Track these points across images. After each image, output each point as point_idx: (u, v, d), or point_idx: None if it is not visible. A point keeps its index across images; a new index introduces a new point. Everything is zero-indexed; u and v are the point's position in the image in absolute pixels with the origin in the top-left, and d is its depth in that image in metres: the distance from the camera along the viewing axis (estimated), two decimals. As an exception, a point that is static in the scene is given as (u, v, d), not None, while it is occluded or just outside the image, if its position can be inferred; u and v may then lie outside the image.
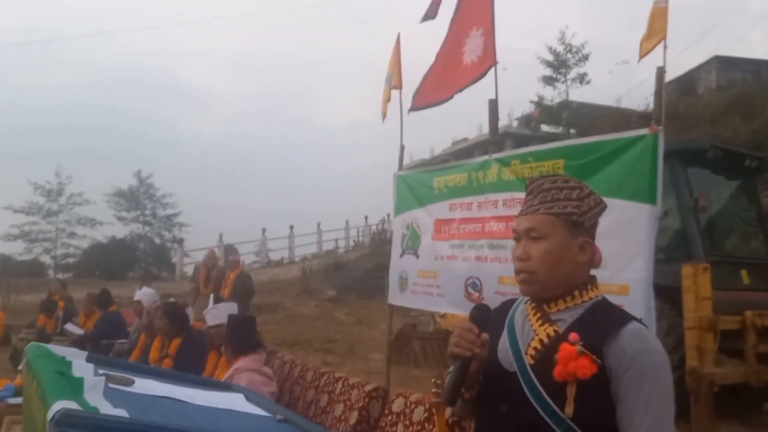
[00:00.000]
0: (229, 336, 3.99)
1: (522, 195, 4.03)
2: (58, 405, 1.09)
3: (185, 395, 1.70)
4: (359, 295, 19.05)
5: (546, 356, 1.50)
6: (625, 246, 3.35)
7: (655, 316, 3.28)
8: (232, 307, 4.86)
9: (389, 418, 3.13)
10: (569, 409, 1.43)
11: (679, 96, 20.21)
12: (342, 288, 20.61)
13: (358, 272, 22.17)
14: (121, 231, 31.87)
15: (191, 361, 4.92)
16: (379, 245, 25.44)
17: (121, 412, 1.25)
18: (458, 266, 4.43)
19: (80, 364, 1.62)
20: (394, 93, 5.55)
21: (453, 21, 4.85)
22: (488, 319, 1.63)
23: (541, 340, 1.54)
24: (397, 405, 3.10)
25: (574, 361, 1.43)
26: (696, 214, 6.81)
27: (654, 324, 3.25)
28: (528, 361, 1.53)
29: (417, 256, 5.07)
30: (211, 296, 6.04)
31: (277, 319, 15.27)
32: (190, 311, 5.63)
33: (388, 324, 5.72)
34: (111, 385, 1.52)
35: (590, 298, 1.60)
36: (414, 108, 5.22)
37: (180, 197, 32.89)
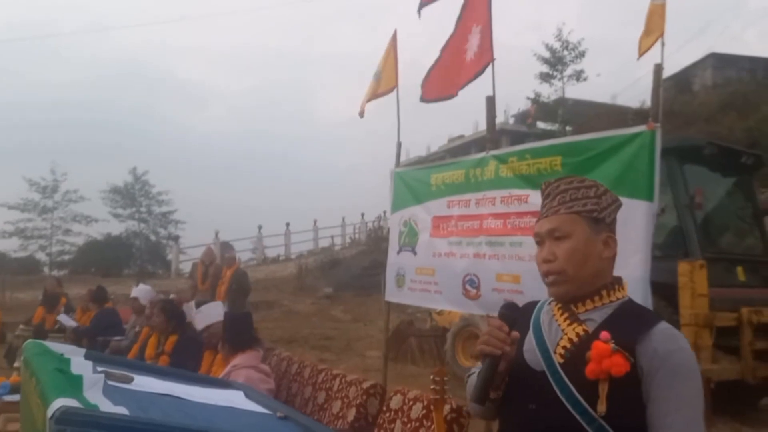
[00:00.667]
0: (225, 333, 3.98)
1: (520, 192, 4.06)
2: (59, 402, 1.08)
3: (185, 393, 1.69)
4: (356, 292, 19.06)
5: (576, 355, 1.51)
6: (623, 243, 3.31)
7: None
8: (217, 306, 4.86)
9: (387, 415, 3.13)
10: (602, 407, 1.43)
11: (675, 93, 20.26)
12: (338, 285, 20.62)
13: (354, 269, 22.18)
14: (116, 228, 31.77)
15: (187, 358, 4.90)
16: (375, 242, 25.45)
17: (122, 410, 1.24)
18: (456, 263, 4.43)
19: (79, 362, 1.61)
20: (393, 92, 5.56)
21: (460, 17, 4.85)
22: (517, 317, 1.64)
23: (570, 339, 1.55)
24: (395, 402, 3.09)
25: (608, 359, 1.43)
26: (692, 211, 6.83)
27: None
28: (557, 360, 1.54)
29: (415, 253, 5.07)
30: (192, 303, 5.98)
31: (274, 316, 15.27)
32: (191, 306, 5.61)
33: (385, 321, 5.72)
34: (110, 383, 1.51)
35: (617, 299, 1.61)
36: (424, 99, 5.20)
37: (176, 194, 32.81)
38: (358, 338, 12.42)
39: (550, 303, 1.69)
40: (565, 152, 3.80)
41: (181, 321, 5.43)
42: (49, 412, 1.06)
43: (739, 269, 7.19)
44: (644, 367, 1.47)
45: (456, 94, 4.83)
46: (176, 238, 30.72)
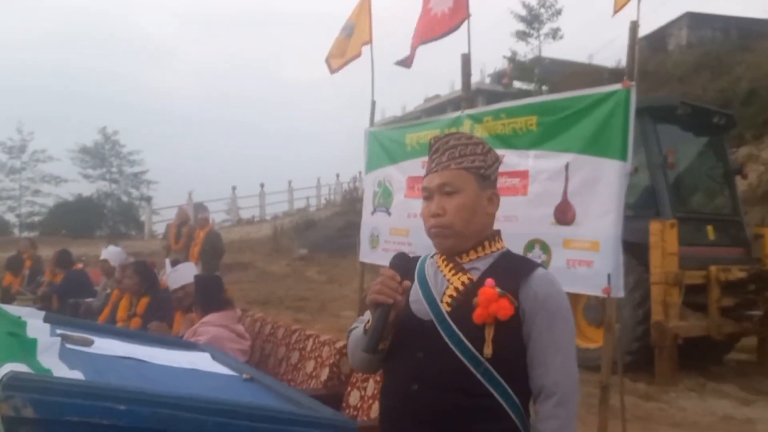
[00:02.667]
0: (196, 295, 3.93)
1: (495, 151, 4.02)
2: (6, 368, 1.03)
3: (147, 355, 1.65)
4: (331, 254, 19.05)
5: (462, 302, 1.57)
6: (596, 202, 3.36)
7: (622, 271, 3.32)
8: (190, 267, 4.80)
9: (360, 374, 3.13)
10: (488, 350, 1.50)
11: (649, 53, 20.25)
12: (313, 246, 20.59)
13: (329, 230, 22.12)
14: (87, 189, 31.28)
15: (159, 319, 4.86)
16: (350, 203, 25.33)
17: (77, 374, 1.20)
18: (430, 223, 4.40)
19: (36, 325, 1.55)
20: (365, 48, 5.43)
21: None
22: (410, 267, 1.68)
23: (456, 288, 1.61)
24: (369, 361, 3.10)
25: (495, 303, 1.50)
26: (665, 171, 6.89)
27: (622, 279, 3.29)
28: (444, 308, 1.59)
29: (389, 214, 5.04)
30: (167, 260, 5.94)
31: (248, 278, 15.24)
32: (167, 264, 5.54)
33: (359, 282, 5.72)
34: (68, 346, 1.47)
35: (497, 249, 1.68)
36: (406, 64, 5.07)
37: (147, 155, 32.32)
38: (333, 299, 12.47)
39: (433, 256, 1.74)
40: (541, 111, 3.76)
41: (153, 283, 5.37)
42: (-3, 378, 1.01)
43: (709, 228, 7.31)
44: (526, 309, 1.55)
45: (430, 41, 4.71)
46: (149, 199, 30.37)
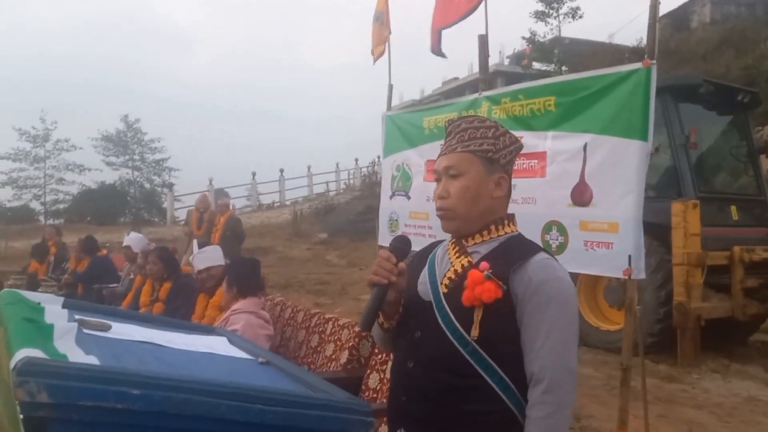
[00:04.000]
0: (234, 277, 3.92)
1: (513, 134, 3.99)
2: (22, 353, 1.04)
3: (164, 339, 1.66)
4: (350, 238, 19.10)
5: (458, 284, 1.59)
6: (616, 184, 3.32)
7: (644, 252, 3.28)
8: (217, 250, 4.83)
9: (379, 357, 3.15)
10: (475, 332, 1.53)
11: (671, 31, 19.88)
12: (333, 230, 20.65)
13: (349, 215, 22.18)
14: (110, 176, 31.56)
15: (182, 304, 4.93)
16: (369, 187, 25.35)
17: (93, 359, 1.21)
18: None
19: (54, 310, 1.57)
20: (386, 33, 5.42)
21: None
22: (407, 249, 1.70)
23: (455, 270, 1.63)
24: (387, 344, 3.11)
25: (480, 286, 1.52)
26: (687, 150, 6.77)
27: (643, 260, 3.25)
28: (442, 290, 1.63)
29: (408, 198, 5.03)
30: (195, 242, 6.02)
31: (269, 262, 15.32)
32: (194, 245, 5.62)
33: (378, 265, 5.72)
34: (85, 331, 1.48)
35: (506, 233, 1.68)
36: (435, 51, 5.05)
37: (168, 143, 32.47)
38: (353, 282, 12.50)
39: (449, 240, 1.76)
40: (559, 92, 3.71)
41: (175, 268, 5.46)
42: (12, 364, 1.02)
43: (733, 208, 7.19)
44: (519, 294, 1.55)
45: (449, 25, 4.68)
46: (170, 186, 30.57)
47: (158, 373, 1.22)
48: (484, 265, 1.55)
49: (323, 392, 1.39)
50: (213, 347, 1.77)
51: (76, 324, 1.44)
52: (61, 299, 1.78)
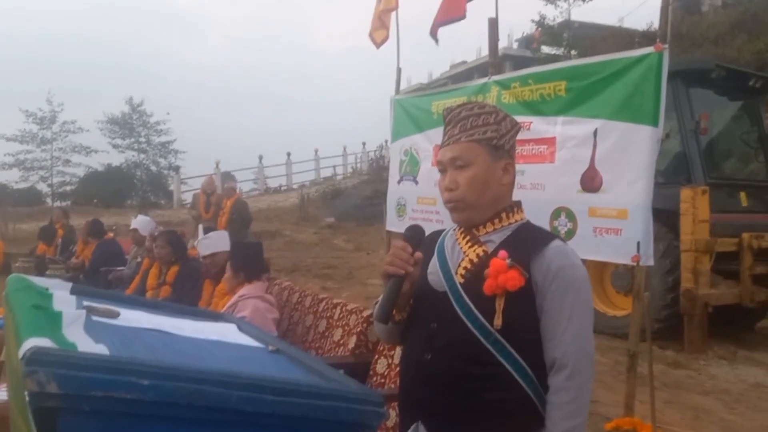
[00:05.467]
0: (238, 261, 3.91)
1: (522, 119, 3.96)
2: (30, 343, 1.03)
3: (173, 327, 1.66)
4: (358, 222, 19.11)
5: (476, 274, 1.58)
6: (626, 170, 3.29)
7: (652, 239, 3.26)
8: (223, 236, 4.83)
9: (387, 342, 3.15)
10: (498, 321, 1.52)
11: (682, 15, 19.61)
12: (340, 215, 20.65)
13: (356, 199, 22.15)
14: (116, 159, 31.56)
15: (189, 288, 4.94)
16: (377, 172, 25.30)
17: (102, 348, 1.20)
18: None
19: (62, 297, 1.57)
20: (392, 15, 5.36)
21: None
22: (422, 239, 1.68)
23: (471, 260, 1.62)
24: (395, 329, 3.10)
25: (504, 274, 1.51)
26: (697, 136, 6.72)
27: (651, 247, 3.23)
28: (458, 280, 1.61)
29: (416, 183, 5.00)
30: (200, 227, 6.01)
31: (276, 246, 15.35)
32: (200, 230, 5.61)
33: (386, 250, 5.72)
34: (94, 318, 1.48)
35: (516, 221, 1.67)
36: (433, 34, 5.01)
37: (175, 125, 32.38)
38: (360, 267, 12.52)
39: (455, 230, 1.75)
40: (570, 76, 3.67)
41: (183, 252, 5.46)
42: (20, 353, 1.02)
43: (742, 194, 7.15)
44: (538, 282, 1.55)
45: (464, 15, 4.64)
46: (177, 169, 30.55)
47: (169, 363, 1.21)
48: (503, 253, 1.55)
49: (335, 382, 1.38)
50: (222, 334, 1.76)
51: (84, 311, 1.44)
52: (69, 285, 1.78)
